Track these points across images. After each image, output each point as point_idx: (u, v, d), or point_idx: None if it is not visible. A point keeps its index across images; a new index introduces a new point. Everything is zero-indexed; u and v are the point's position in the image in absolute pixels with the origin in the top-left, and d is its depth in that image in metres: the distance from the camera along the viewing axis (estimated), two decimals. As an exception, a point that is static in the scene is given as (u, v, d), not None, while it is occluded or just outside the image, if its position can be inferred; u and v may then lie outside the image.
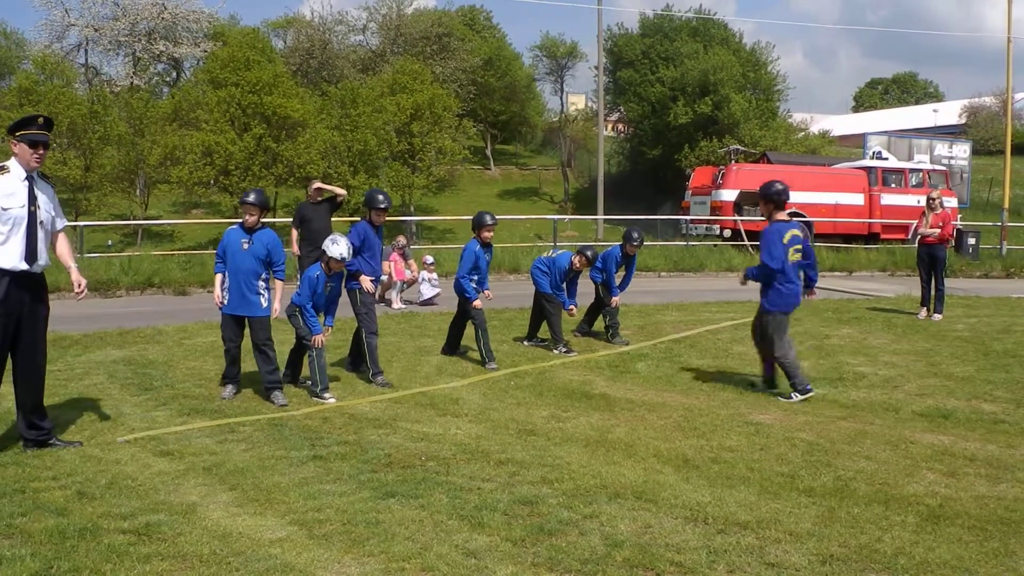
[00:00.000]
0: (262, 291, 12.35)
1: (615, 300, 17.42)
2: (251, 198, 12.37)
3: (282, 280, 12.58)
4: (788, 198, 13.50)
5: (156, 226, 51.80)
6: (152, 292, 26.20)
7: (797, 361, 13.25)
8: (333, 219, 18.88)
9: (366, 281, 13.86)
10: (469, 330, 15.72)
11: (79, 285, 10.01)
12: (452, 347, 16.02)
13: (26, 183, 9.38)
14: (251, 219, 12.28)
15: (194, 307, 21.56)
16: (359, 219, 14.68)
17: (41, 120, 9.62)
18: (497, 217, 16.35)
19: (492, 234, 15.60)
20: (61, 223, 10.02)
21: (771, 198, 13.37)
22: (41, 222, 9.52)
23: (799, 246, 13.45)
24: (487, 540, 7.12)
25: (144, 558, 6.72)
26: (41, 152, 9.52)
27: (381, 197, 14.66)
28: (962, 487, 8.69)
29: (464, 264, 15.32)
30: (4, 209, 9.16)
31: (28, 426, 9.69)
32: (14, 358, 9.58)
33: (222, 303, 12.43)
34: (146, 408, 11.78)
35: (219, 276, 12.51)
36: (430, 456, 9.57)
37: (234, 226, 12.56)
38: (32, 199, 9.41)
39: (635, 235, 17.39)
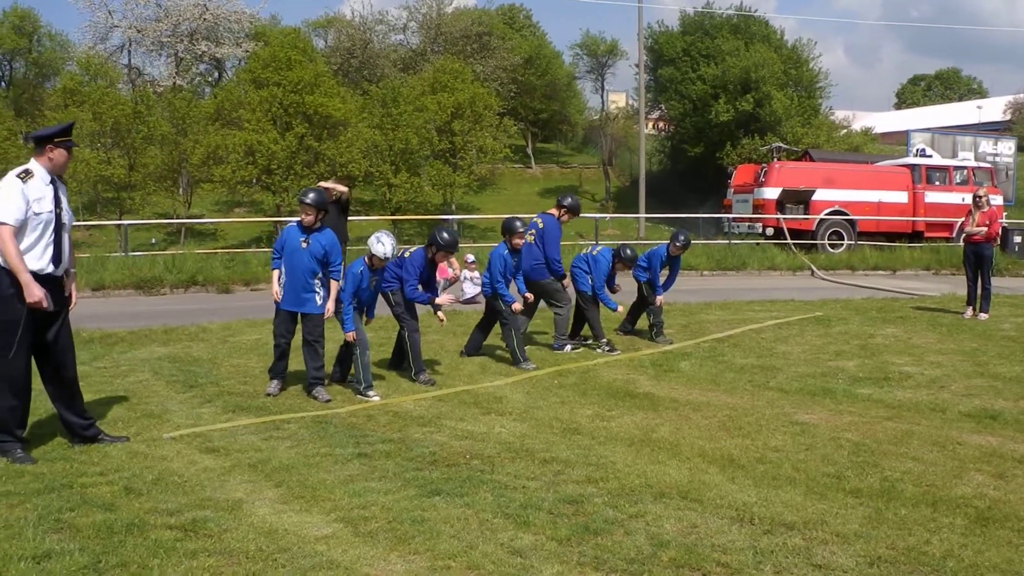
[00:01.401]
0: (317, 289, 12.37)
1: (659, 299, 17.37)
2: (309, 198, 12.34)
3: (337, 281, 12.53)
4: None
5: (199, 225, 52.04)
6: (196, 290, 26.34)
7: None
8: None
9: (445, 298, 13.88)
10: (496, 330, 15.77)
11: (73, 305, 9.95)
12: (475, 349, 15.95)
13: (51, 186, 9.41)
14: (308, 219, 12.27)
15: (238, 305, 21.62)
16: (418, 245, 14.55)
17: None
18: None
19: (523, 241, 15.47)
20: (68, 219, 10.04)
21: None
22: (64, 224, 9.54)
23: None
24: (532, 539, 7.12)
25: (191, 554, 6.75)
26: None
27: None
28: (1011, 489, 8.61)
29: (495, 272, 15.21)
30: (35, 213, 9.16)
31: (74, 420, 9.75)
32: (47, 360, 9.63)
33: (279, 299, 12.47)
34: (191, 405, 11.83)
35: (276, 272, 12.54)
36: (475, 454, 9.57)
37: (293, 224, 12.57)
38: (57, 202, 9.45)
39: (681, 237, 17.37)
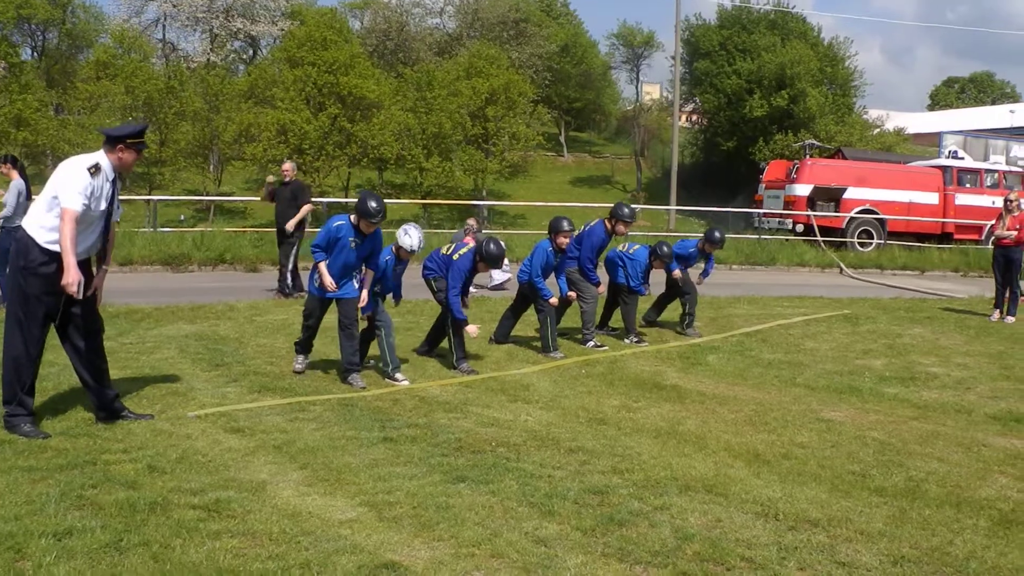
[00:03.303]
0: (355, 275, 12.33)
1: (676, 273, 17.20)
2: (379, 218, 12.04)
3: (374, 271, 12.51)
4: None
5: (229, 203, 52.20)
6: (224, 268, 26.43)
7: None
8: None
9: (473, 330, 13.71)
10: (529, 318, 15.74)
11: (93, 288, 9.78)
12: (503, 336, 15.93)
13: (111, 185, 9.47)
14: (371, 229, 12.13)
15: (265, 284, 21.60)
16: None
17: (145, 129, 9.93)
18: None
19: (568, 240, 15.29)
20: (118, 215, 10.01)
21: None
22: (107, 221, 9.64)
23: None
24: (557, 528, 7.12)
25: (214, 534, 6.76)
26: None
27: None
28: (1035, 492, 8.59)
29: (536, 264, 15.09)
30: (90, 210, 9.19)
31: (100, 390, 9.77)
32: (72, 331, 9.65)
33: (326, 289, 12.29)
34: (217, 384, 11.84)
35: (323, 264, 12.16)
36: (500, 442, 9.57)
37: (343, 222, 12.19)
38: (111, 200, 9.52)
39: (716, 235, 17.41)
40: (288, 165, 20.77)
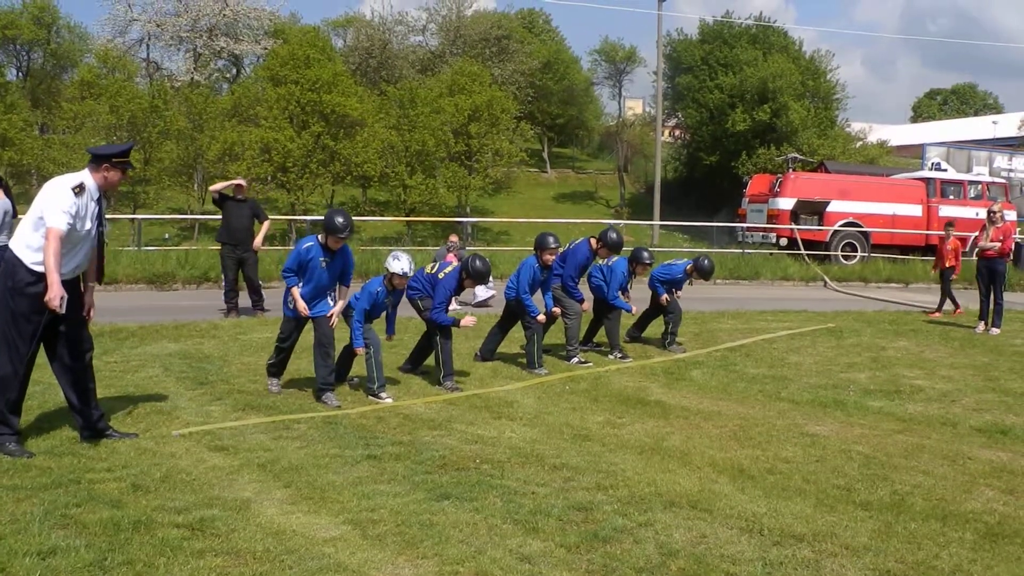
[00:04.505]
0: (330, 293, 12.30)
1: (664, 297, 17.31)
2: (346, 232, 12.08)
3: (348, 286, 12.50)
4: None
5: (213, 221, 52.07)
6: (208, 286, 26.39)
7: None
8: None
9: (470, 320, 13.83)
10: (514, 335, 15.73)
11: (86, 308, 9.91)
12: (490, 352, 15.90)
13: (96, 204, 9.46)
14: (339, 245, 12.13)
15: (249, 303, 21.53)
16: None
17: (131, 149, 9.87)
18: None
19: (554, 257, 15.29)
20: (105, 230, 10.00)
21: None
22: (93, 240, 9.63)
23: None
24: (541, 545, 7.11)
25: (197, 553, 6.74)
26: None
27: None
28: (1021, 505, 8.58)
29: (523, 281, 15.06)
30: (75, 229, 9.16)
31: (85, 409, 9.73)
32: (60, 346, 9.62)
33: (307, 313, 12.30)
34: (201, 402, 11.82)
35: (296, 289, 12.13)
36: (484, 459, 9.54)
37: (312, 243, 12.15)
38: (96, 219, 9.51)
39: (707, 265, 17.41)
40: (244, 182, 21.03)
